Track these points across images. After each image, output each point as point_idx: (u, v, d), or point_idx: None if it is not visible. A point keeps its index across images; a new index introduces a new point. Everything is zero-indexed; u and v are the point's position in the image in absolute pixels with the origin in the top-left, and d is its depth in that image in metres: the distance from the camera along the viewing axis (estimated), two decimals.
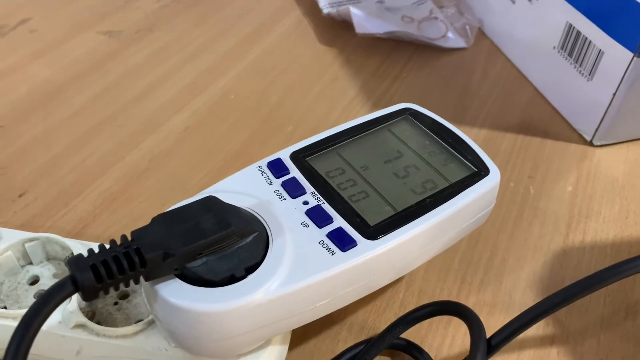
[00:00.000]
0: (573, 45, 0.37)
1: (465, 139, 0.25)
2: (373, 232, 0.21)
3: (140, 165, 0.34)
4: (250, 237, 0.20)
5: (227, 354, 0.21)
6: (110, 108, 0.38)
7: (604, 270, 0.23)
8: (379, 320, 0.27)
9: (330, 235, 0.21)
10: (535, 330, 0.27)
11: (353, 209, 0.22)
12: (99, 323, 0.24)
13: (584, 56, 0.36)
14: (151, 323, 0.22)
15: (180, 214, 0.19)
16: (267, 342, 0.22)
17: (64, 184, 0.32)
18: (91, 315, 0.23)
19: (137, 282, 0.18)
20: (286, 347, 0.24)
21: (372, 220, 0.22)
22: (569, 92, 0.38)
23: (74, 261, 0.17)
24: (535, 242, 0.31)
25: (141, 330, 0.22)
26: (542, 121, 0.39)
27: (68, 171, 0.33)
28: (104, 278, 0.17)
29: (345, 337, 0.26)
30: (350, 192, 0.23)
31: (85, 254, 0.24)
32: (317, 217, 0.22)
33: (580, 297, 0.22)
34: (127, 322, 0.24)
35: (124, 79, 0.40)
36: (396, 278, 0.23)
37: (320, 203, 0.22)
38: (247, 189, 0.22)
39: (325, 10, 0.45)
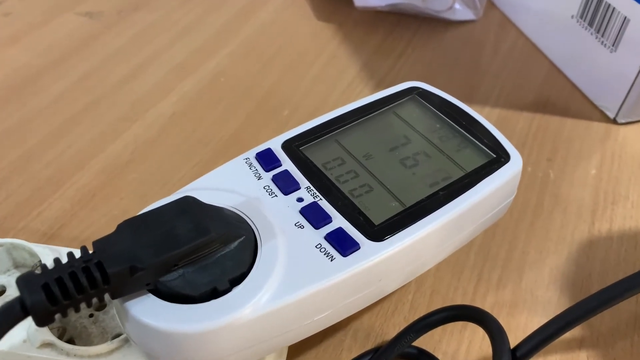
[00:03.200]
0: (594, 13, 0.33)
1: (480, 120, 0.22)
2: (378, 233, 0.18)
3: (122, 157, 0.31)
4: (235, 243, 0.17)
5: None
6: (91, 95, 0.35)
7: None
8: (387, 326, 0.24)
9: (329, 238, 0.18)
10: None
11: (355, 206, 0.19)
12: (71, 339, 0.21)
13: (606, 25, 0.33)
14: (128, 340, 0.20)
15: (151, 218, 0.16)
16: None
17: (39, 179, 0.29)
18: (62, 332, 0.21)
19: (101, 300, 0.16)
20: (283, 359, 0.21)
21: (377, 218, 0.19)
22: (589, 65, 0.35)
23: (23, 280, 0.15)
24: (558, 233, 0.28)
25: (117, 348, 0.20)
26: (561, 98, 0.36)
27: (44, 166, 0.30)
28: (59, 299, 0.15)
29: (350, 346, 0.23)
30: (351, 186, 0.20)
31: (53, 261, 0.22)
32: (314, 216, 0.19)
33: (620, 301, 0.19)
34: (104, 336, 0.21)
35: (106, 63, 0.37)
36: (406, 282, 0.21)
37: (316, 200, 0.19)
38: (232, 185, 0.19)
39: None
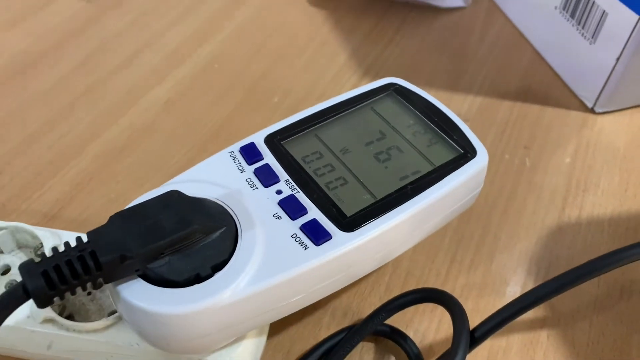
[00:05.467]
0: (575, 6, 0.34)
1: (452, 118, 0.24)
2: (349, 224, 0.20)
3: (118, 142, 0.32)
4: (217, 233, 0.19)
5: (199, 351, 0.20)
6: (88, 80, 0.36)
7: (598, 259, 0.21)
8: (363, 305, 0.26)
9: (304, 228, 0.20)
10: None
11: (329, 198, 0.21)
12: (71, 315, 0.23)
13: (586, 17, 0.34)
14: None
15: (140, 211, 0.18)
16: (243, 336, 0.21)
17: (40, 163, 0.31)
18: (62, 309, 0.23)
19: (95, 286, 0.17)
20: (264, 337, 0.23)
21: (349, 210, 0.21)
22: (570, 55, 0.36)
23: (25, 268, 0.17)
24: (530, 218, 0.30)
25: (112, 324, 0.22)
26: (542, 86, 0.37)
27: (45, 150, 0.32)
28: (57, 284, 0.16)
29: (328, 323, 0.25)
30: (327, 179, 0.22)
31: (54, 243, 0.23)
32: (291, 207, 0.20)
33: (571, 287, 0.21)
34: (101, 313, 0.23)
35: (103, 49, 0.38)
36: (378, 267, 0.22)
37: (294, 192, 0.21)
38: (217, 177, 0.21)
39: None
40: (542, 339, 0.25)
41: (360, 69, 0.38)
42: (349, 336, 0.24)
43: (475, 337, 0.21)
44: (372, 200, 0.21)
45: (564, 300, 0.26)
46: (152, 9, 0.42)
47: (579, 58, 0.35)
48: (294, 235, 0.20)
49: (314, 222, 0.20)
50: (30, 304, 0.22)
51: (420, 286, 0.27)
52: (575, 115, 0.35)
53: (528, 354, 0.25)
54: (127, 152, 0.32)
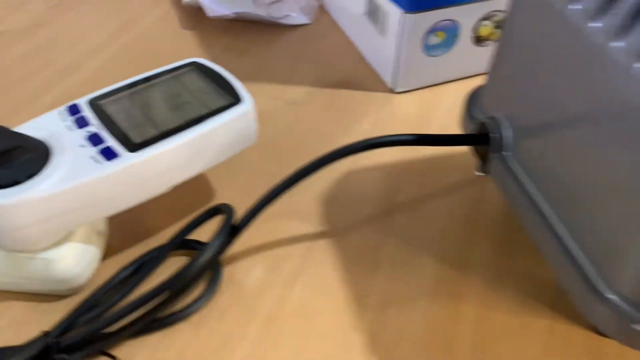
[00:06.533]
0: (371, 10, 0.44)
1: (232, 82, 0.32)
2: (135, 147, 0.28)
3: None
4: (33, 154, 0.27)
5: (26, 244, 0.27)
6: None
7: (327, 154, 0.30)
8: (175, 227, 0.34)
9: (101, 152, 0.28)
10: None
11: (125, 133, 0.29)
12: None
13: (377, 18, 0.43)
14: None
15: None
16: (68, 239, 0.29)
17: None
18: None
19: None
20: (95, 248, 0.30)
21: (137, 139, 0.29)
22: (375, 49, 0.45)
23: None
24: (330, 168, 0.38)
25: None
26: (361, 77, 0.46)
27: None
28: None
29: (154, 243, 0.33)
30: (127, 122, 0.30)
31: None
32: (93, 139, 0.28)
33: (306, 176, 0.29)
34: None
35: None
36: (167, 188, 0.30)
37: (99, 131, 0.29)
38: (42, 125, 0.29)
39: (185, 0, 0.52)
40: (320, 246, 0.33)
41: None
42: (159, 251, 0.31)
43: (239, 226, 0.29)
44: (156, 133, 0.29)
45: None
46: (55, 33, 0.50)
47: (379, 51, 0.44)
48: (93, 157, 0.27)
49: (108, 147, 0.28)
50: None
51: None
52: (382, 96, 0.44)
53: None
54: None
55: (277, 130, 0.41)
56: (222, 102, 0.31)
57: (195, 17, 0.53)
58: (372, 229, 0.34)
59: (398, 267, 0.32)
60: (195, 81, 0.32)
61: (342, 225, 0.34)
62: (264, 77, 0.46)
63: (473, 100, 0.32)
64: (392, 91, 0.44)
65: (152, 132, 0.29)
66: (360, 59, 0.48)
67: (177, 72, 0.33)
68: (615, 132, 0.22)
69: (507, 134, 0.29)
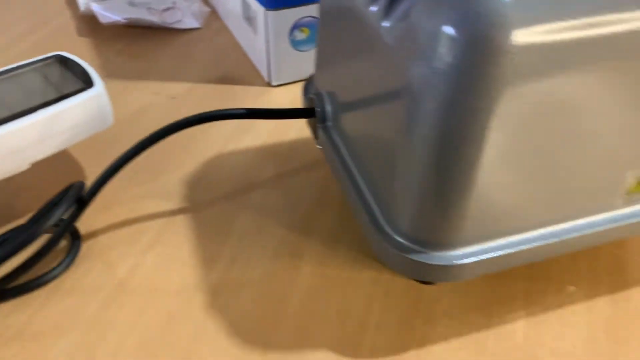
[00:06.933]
0: (244, 11, 0.48)
1: (89, 71, 0.35)
2: None
3: None
4: None
5: None
6: None
7: (168, 125, 0.33)
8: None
9: None
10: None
11: None
12: None
13: (250, 17, 0.47)
14: None
15: None
16: None
17: None
18: None
19: None
20: None
21: None
22: (253, 47, 0.49)
23: None
24: (198, 149, 0.41)
25: None
26: (243, 73, 0.49)
27: None
28: None
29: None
30: None
31: None
32: None
33: (149, 146, 0.32)
34: None
35: None
36: (25, 164, 0.32)
37: None
38: None
39: (82, 9, 0.55)
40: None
41: (111, 75, 0.49)
42: (17, 230, 0.33)
43: (84, 199, 0.32)
44: (8, 114, 0.32)
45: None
46: None
47: (255, 48, 0.48)
48: None
49: None
50: None
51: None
52: (259, 89, 0.48)
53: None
54: None
55: (154, 121, 0.44)
56: (74, 87, 0.34)
57: (92, 25, 0.56)
58: (229, 205, 0.37)
59: (248, 236, 0.35)
60: (55, 71, 0.35)
61: (201, 202, 0.37)
62: (151, 76, 0.49)
63: (310, 80, 0.36)
64: (269, 85, 0.48)
65: (4, 113, 0.32)
66: (244, 57, 0.51)
67: (40, 64, 0.36)
68: (383, 104, 0.25)
69: (329, 107, 0.32)
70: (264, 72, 0.48)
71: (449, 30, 0.20)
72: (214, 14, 0.57)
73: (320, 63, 0.33)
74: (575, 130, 0.23)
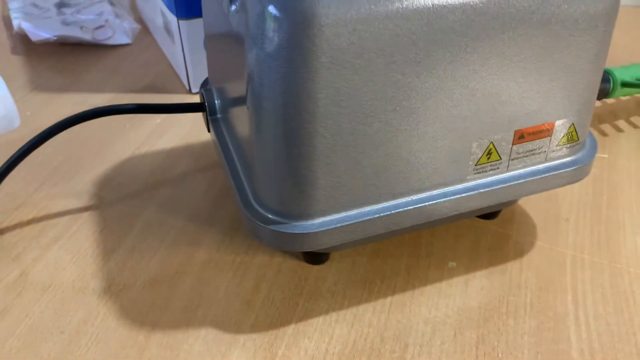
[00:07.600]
0: (164, 22, 0.50)
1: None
2: None
3: None
4: None
5: None
6: None
7: (60, 122, 0.34)
8: None
9: None
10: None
11: None
12: None
13: (168, 27, 0.49)
14: None
15: None
16: None
17: None
18: None
19: None
20: None
21: None
22: (175, 57, 0.51)
23: None
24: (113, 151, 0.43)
25: None
26: (167, 83, 0.51)
27: None
28: None
29: None
30: None
31: None
32: None
33: (43, 142, 0.34)
34: None
35: None
36: None
37: None
38: None
39: (15, 28, 0.57)
40: None
41: (38, 88, 0.51)
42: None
43: None
44: None
45: None
46: None
47: (175, 56, 0.50)
48: None
49: None
50: None
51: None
52: (180, 96, 0.50)
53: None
54: None
55: (70, 131, 0.45)
56: None
57: (26, 44, 0.58)
58: (136, 201, 0.39)
59: (150, 227, 0.36)
60: None
61: (110, 200, 0.39)
62: (77, 88, 0.51)
63: (207, 78, 0.38)
64: (189, 92, 0.50)
65: None
66: (169, 68, 0.53)
67: None
68: (241, 87, 0.27)
69: (218, 101, 0.34)
70: (184, 80, 0.50)
71: (272, 10, 0.23)
72: (144, 30, 0.60)
73: (209, 61, 0.35)
74: (403, 101, 0.25)
